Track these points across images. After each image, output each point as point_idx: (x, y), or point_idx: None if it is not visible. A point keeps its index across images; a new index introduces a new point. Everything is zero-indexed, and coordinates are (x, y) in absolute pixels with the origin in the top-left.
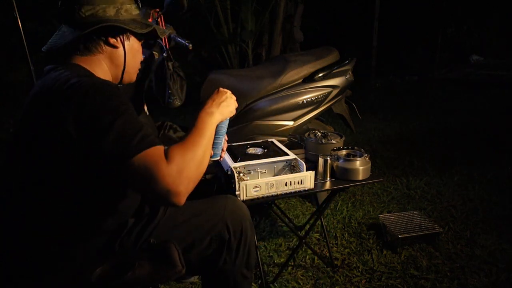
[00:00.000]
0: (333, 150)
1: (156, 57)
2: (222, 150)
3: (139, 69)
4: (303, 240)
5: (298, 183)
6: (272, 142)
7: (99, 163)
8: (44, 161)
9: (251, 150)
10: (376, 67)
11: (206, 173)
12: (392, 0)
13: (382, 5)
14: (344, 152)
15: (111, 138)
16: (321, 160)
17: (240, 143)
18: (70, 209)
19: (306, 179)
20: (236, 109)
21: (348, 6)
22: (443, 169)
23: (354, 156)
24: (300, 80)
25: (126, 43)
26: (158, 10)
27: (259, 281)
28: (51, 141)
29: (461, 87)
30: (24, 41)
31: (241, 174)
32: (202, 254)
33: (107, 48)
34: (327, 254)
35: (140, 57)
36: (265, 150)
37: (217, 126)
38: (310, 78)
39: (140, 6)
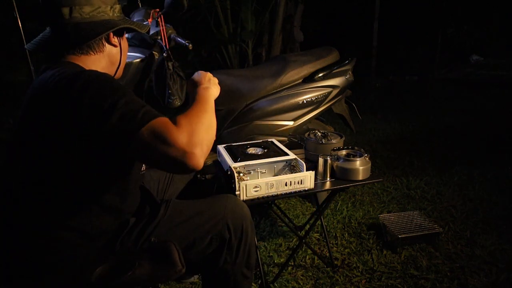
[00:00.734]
0: (333, 150)
1: (156, 57)
2: None
3: (139, 69)
4: (303, 240)
5: (298, 183)
6: (272, 142)
7: (104, 152)
8: (45, 160)
9: (251, 150)
10: (376, 67)
11: (206, 173)
12: (392, 0)
13: (382, 5)
14: (344, 152)
15: (116, 118)
16: (321, 160)
17: (240, 143)
18: (71, 208)
19: (306, 179)
20: (236, 109)
21: (348, 6)
22: (443, 169)
23: (354, 156)
24: (300, 80)
25: (122, 42)
26: (158, 10)
27: (259, 281)
28: (52, 138)
29: (461, 87)
30: (24, 41)
31: (241, 174)
32: (203, 253)
33: (107, 47)
34: (327, 254)
35: None
36: (265, 150)
37: None
38: (310, 78)
39: (140, 6)
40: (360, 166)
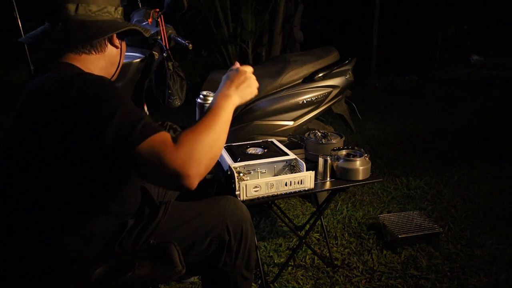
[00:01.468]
0: (333, 150)
1: (156, 57)
2: None
3: (139, 69)
4: (303, 240)
5: (298, 183)
6: (272, 142)
7: (101, 158)
8: (42, 163)
9: (251, 150)
10: (376, 67)
11: None
12: (392, 0)
13: (382, 5)
14: (344, 152)
15: (113, 129)
16: (321, 160)
17: (240, 143)
18: (69, 209)
19: (306, 179)
20: (237, 109)
21: (348, 6)
22: (443, 169)
23: (354, 156)
24: (300, 80)
25: (122, 43)
26: (158, 10)
27: (259, 281)
28: (48, 141)
29: (461, 87)
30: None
31: (241, 174)
32: (202, 255)
33: (109, 48)
34: (327, 254)
35: None
36: (265, 150)
37: None
38: (310, 78)
39: (140, 6)
40: (360, 166)
